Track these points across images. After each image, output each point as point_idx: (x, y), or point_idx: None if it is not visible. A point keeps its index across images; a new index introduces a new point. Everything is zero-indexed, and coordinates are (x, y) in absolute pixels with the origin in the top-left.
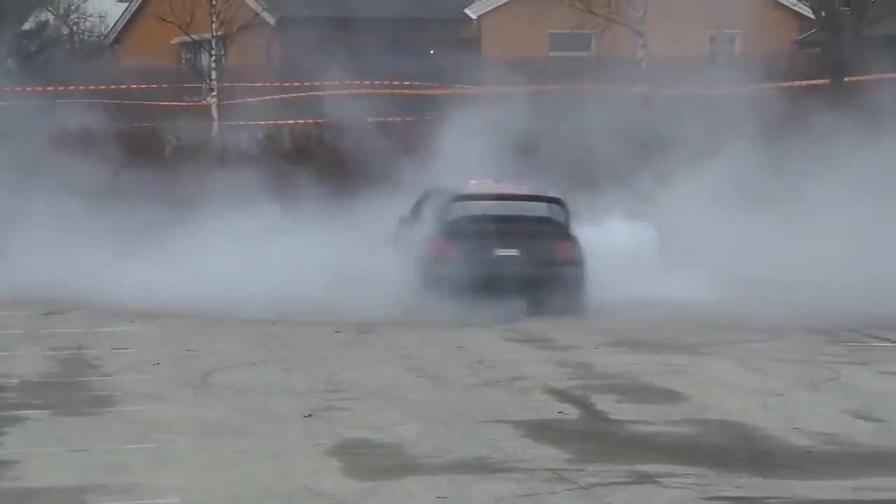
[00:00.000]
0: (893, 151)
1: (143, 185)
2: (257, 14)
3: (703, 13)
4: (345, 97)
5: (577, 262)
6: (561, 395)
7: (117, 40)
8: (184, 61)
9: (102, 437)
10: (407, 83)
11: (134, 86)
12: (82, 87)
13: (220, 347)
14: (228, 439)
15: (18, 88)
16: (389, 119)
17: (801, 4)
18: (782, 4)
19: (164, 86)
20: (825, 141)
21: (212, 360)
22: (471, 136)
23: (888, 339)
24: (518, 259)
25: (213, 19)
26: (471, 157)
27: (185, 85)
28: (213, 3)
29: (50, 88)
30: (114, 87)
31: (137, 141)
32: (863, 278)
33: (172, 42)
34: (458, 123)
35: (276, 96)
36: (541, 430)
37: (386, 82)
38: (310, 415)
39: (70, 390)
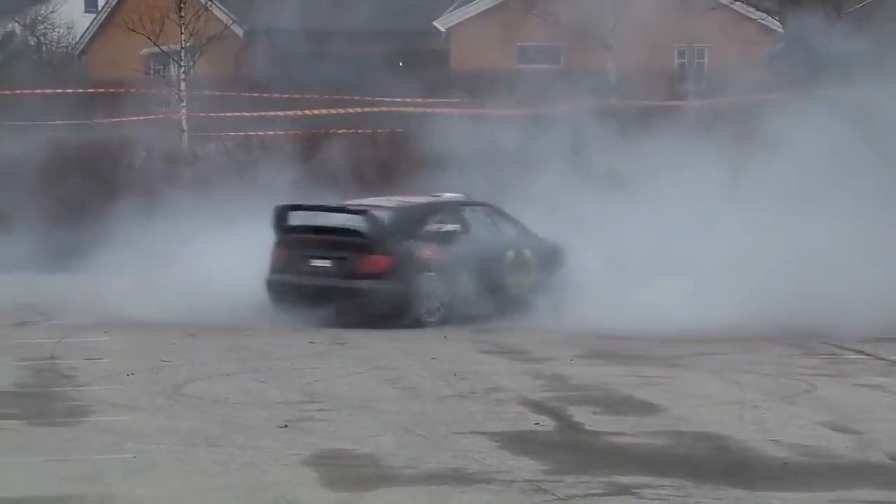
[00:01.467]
0: (865, 160)
1: (110, 196)
2: (227, 26)
3: (672, 26)
4: (314, 108)
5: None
6: (537, 406)
7: (84, 51)
8: (152, 72)
9: (78, 448)
10: (377, 98)
11: (102, 90)
12: (49, 93)
13: (194, 358)
14: (204, 450)
15: None
16: (360, 131)
17: (770, 18)
18: (750, 18)
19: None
20: (795, 151)
21: (185, 370)
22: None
23: (861, 352)
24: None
25: (182, 30)
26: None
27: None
28: (183, 14)
29: (18, 92)
30: (81, 92)
31: (106, 152)
32: (833, 291)
33: (141, 53)
34: (429, 138)
35: (247, 113)
36: (517, 442)
37: (356, 98)
38: (286, 425)
39: (44, 400)
